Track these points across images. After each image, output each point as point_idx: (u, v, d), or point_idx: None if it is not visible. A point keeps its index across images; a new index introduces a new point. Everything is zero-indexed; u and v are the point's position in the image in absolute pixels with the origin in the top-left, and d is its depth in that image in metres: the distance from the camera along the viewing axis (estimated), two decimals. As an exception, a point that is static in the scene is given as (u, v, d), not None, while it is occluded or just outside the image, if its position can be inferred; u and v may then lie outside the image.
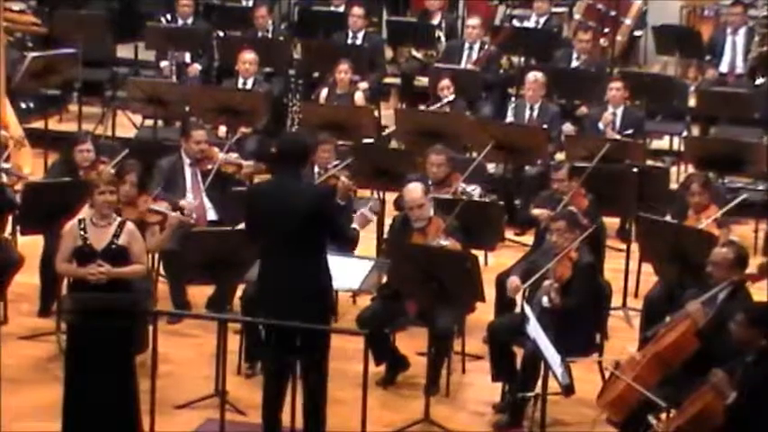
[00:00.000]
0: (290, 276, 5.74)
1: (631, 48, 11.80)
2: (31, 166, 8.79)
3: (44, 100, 10.85)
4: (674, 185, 8.97)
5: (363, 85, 10.37)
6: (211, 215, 7.96)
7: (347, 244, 6.12)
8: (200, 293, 7.51)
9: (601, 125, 9.49)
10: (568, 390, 5.82)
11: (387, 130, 10.19)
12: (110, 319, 5.84)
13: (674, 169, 9.68)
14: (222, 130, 9.74)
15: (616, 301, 7.52)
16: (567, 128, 9.82)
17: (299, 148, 5.93)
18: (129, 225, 6.46)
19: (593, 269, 6.75)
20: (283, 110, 10.42)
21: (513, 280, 6.68)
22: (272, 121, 10.12)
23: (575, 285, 6.47)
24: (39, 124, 10.29)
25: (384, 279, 6.74)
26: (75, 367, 5.85)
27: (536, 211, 7.69)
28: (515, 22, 11.30)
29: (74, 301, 6.36)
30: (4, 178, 7.70)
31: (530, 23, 11.22)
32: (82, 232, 6.33)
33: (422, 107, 9.91)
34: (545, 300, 6.49)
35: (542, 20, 11.23)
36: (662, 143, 10.51)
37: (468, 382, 7.01)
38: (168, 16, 11.13)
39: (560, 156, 9.39)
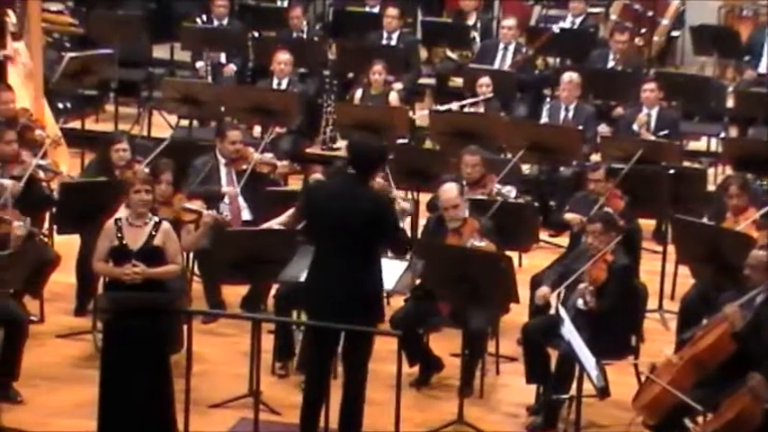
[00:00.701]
0: (342, 278, 5.75)
1: (668, 48, 11.72)
2: (68, 165, 8.85)
3: (81, 100, 10.92)
4: (711, 187, 8.89)
5: (398, 85, 10.37)
6: (246, 215, 7.99)
7: (403, 249, 6.08)
8: (234, 293, 7.53)
9: (635, 126, 9.43)
10: (603, 392, 5.78)
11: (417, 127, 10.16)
12: (145, 319, 5.87)
13: (711, 171, 9.60)
14: (257, 130, 9.77)
15: (652, 303, 7.46)
16: (603, 129, 9.76)
17: (373, 155, 5.92)
18: (165, 225, 6.48)
19: (629, 271, 6.71)
20: (318, 110, 10.43)
21: (543, 289, 6.65)
22: (307, 122, 10.14)
23: (610, 288, 6.43)
24: (75, 124, 10.37)
25: (417, 280, 6.73)
26: (111, 366, 5.89)
27: (569, 216, 7.65)
28: (554, 27, 11.22)
29: (110, 301, 6.40)
30: (41, 175, 7.76)
31: (565, 24, 11.16)
32: (118, 232, 6.36)
33: (456, 104, 9.86)
34: (580, 302, 6.45)
35: (578, 20, 11.18)
36: (699, 144, 10.43)
37: (502, 384, 6.99)
38: (204, 17, 11.18)
39: (595, 157, 9.34)
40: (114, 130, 10.02)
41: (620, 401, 6.27)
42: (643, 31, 11.28)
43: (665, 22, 11.52)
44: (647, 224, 8.73)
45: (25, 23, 9.29)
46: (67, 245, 7.64)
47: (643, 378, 6.20)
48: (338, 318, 5.71)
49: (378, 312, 5.92)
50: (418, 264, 6.60)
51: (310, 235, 6.04)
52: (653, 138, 9.18)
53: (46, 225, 7.93)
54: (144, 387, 5.82)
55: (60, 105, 10.59)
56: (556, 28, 11.11)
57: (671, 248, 7.79)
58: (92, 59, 9.92)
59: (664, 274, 7.97)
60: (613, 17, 11.44)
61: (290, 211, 6.97)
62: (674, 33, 11.69)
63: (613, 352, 6.34)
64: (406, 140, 9.64)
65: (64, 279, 7.55)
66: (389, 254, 6.16)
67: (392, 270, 6.40)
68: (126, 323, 5.87)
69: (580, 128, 9.32)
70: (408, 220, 6.94)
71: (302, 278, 6.20)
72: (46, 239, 7.82)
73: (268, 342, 6.76)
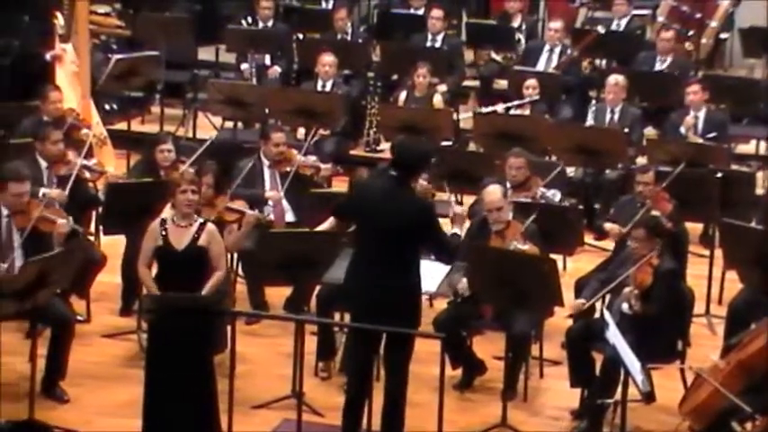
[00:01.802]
0: (381, 280, 5.74)
1: (717, 50, 11.59)
2: (114, 165, 8.92)
3: (127, 101, 11.01)
4: (759, 191, 8.79)
5: (442, 87, 10.34)
6: (289, 217, 8.01)
7: (450, 255, 6.03)
8: (277, 294, 7.55)
9: (682, 129, 9.34)
10: (649, 397, 5.73)
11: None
12: (189, 319, 5.90)
13: (760, 174, 9.48)
14: (300, 132, 9.79)
15: (699, 307, 7.38)
16: (649, 131, 9.68)
17: (418, 157, 5.90)
18: (210, 226, 6.51)
19: (675, 275, 6.64)
20: (361, 112, 10.43)
21: (578, 301, 6.59)
22: (350, 124, 10.15)
23: (656, 292, 6.36)
24: (122, 125, 10.45)
25: (461, 283, 6.70)
26: (156, 366, 5.93)
27: (608, 226, 7.56)
28: (599, 28, 11.15)
29: (155, 301, 6.43)
30: (87, 175, 7.82)
31: (612, 26, 11.08)
32: (163, 232, 6.39)
33: (501, 105, 9.82)
34: (625, 306, 6.40)
35: (623, 22, 11.10)
36: (748, 148, 10.31)
37: (546, 387, 6.95)
38: (249, 19, 11.23)
39: (641, 159, 9.27)
40: (159, 131, 10.09)
41: (666, 406, 6.22)
42: (691, 33, 11.17)
43: (714, 24, 11.40)
44: (695, 228, 8.64)
45: (73, 25, 9.38)
46: (113, 245, 7.70)
47: (690, 380, 6.13)
48: (378, 319, 5.70)
49: (417, 315, 5.89)
50: (461, 267, 6.57)
51: (353, 233, 6.03)
52: (700, 140, 9.08)
53: (92, 225, 8.00)
54: (188, 387, 5.86)
55: (107, 107, 10.68)
56: (600, 29, 11.04)
57: (718, 252, 7.71)
58: (138, 61, 10.00)
59: (711, 279, 7.89)
60: (660, 19, 11.35)
61: (332, 219, 6.96)
62: (723, 35, 11.56)
63: (659, 356, 6.28)
64: (449, 143, 9.62)
65: (110, 279, 7.61)
66: (433, 257, 6.13)
67: (436, 272, 6.38)
68: (171, 323, 5.90)
69: (626, 130, 9.26)
70: (467, 224, 6.84)
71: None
72: (92, 240, 7.88)
73: (311, 343, 6.77)
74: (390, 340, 5.84)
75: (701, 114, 9.38)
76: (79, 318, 7.15)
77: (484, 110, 9.88)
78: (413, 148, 6.03)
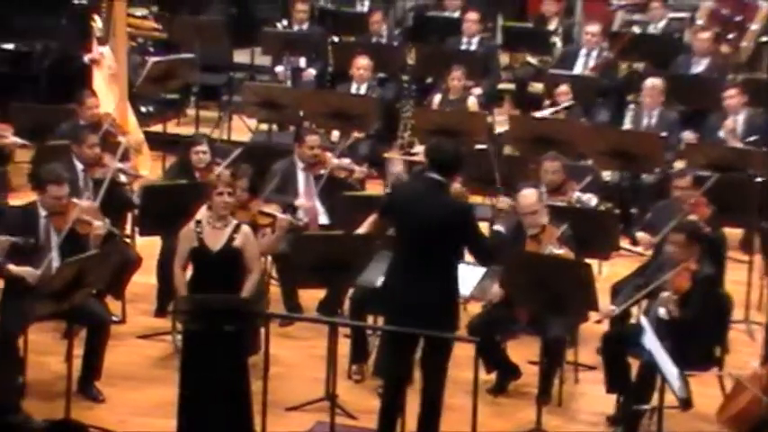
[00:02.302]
0: (419, 283, 5.73)
1: (758, 53, 11.47)
2: (150, 168, 8.97)
3: (163, 104, 11.07)
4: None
5: (477, 90, 10.31)
6: (323, 219, 8.01)
7: (489, 257, 6.00)
8: (311, 297, 7.55)
9: (722, 133, 9.25)
10: (686, 403, 5.67)
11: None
12: (224, 321, 5.91)
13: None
14: (335, 134, 9.79)
15: (738, 314, 7.31)
16: (687, 135, 9.60)
17: (453, 158, 5.89)
18: (245, 228, 6.52)
19: (713, 281, 6.57)
20: (396, 115, 10.42)
21: (608, 308, 6.53)
22: (385, 127, 10.14)
23: (694, 297, 6.30)
24: (157, 127, 10.50)
25: (495, 286, 6.67)
26: (190, 367, 5.94)
27: (639, 235, 7.49)
28: (635, 28, 11.08)
29: (189, 302, 6.44)
30: (123, 178, 7.86)
31: (651, 29, 11.00)
32: (198, 233, 6.40)
33: (537, 113, 9.78)
34: (662, 311, 6.34)
35: (660, 25, 11.01)
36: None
37: (581, 393, 6.90)
38: (284, 22, 11.25)
39: (679, 164, 9.18)
40: (195, 133, 10.12)
41: (704, 413, 6.16)
42: (731, 36, 11.06)
43: (755, 26, 11.28)
44: (734, 233, 8.55)
45: (111, 28, 9.44)
46: (149, 246, 7.73)
47: (728, 387, 6.07)
48: (416, 322, 5.68)
49: (455, 317, 5.87)
50: (496, 270, 6.54)
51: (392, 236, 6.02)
52: (740, 145, 8.99)
53: (128, 227, 8.03)
54: (222, 388, 5.86)
55: (143, 109, 10.74)
56: (636, 29, 10.96)
57: (758, 258, 7.62)
58: (174, 64, 10.04)
59: (750, 285, 7.80)
60: (700, 22, 11.25)
61: (371, 219, 6.95)
62: (764, 39, 11.44)
63: (697, 363, 6.21)
64: (484, 146, 9.58)
65: (145, 280, 7.64)
66: (469, 260, 6.11)
67: (470, 276, 6.35)
68: (205, 325, 5.91)
69: (664, 134, 9.18)
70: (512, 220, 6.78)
71: (378, 283, 6.19)
72: (128, 241, 7.92)
73: (344, 346, 6.76)
74: (428, 344, 5.82)
75: (741, 118, 9.28)
76: (115, 318, 7.18)
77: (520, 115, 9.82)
78: (447, 150, 6.02)
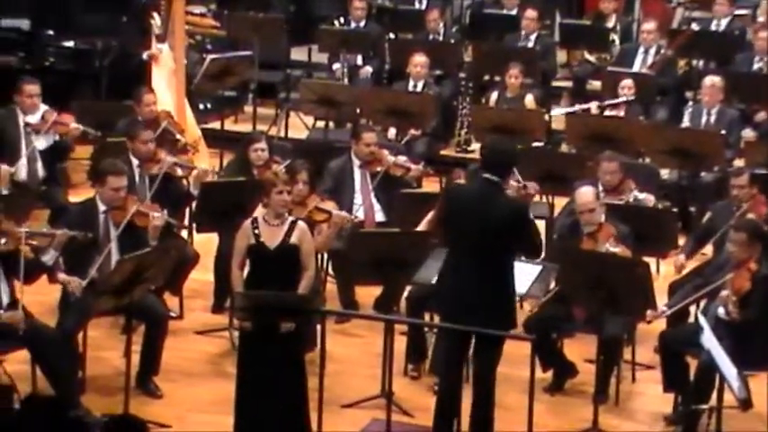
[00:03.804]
0: (475, 282, 5.73)
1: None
2: (208, 165, 9.02)
3: (221, 101, 11.14)
4: None
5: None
6: (379, 217, 8.02)
7: (537, 254, 6.01)
8: (367, 294, 7.56)
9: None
10: (746, 404, 5.60)
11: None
12: (280, 318, 5.94)
13: None
14: (392, 132, 9.79)
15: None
16: (747, 133, 9.47)
17: (506, 157, 5.88)
18: (301, 224, 6.54)
19: (775, 281, 6.48)
20: (453, 113, 10.41)
21: (660, 307, 6.46)
22: (442, 124, 10.12)
23: (754, 298, 6.21)
24: (215, 124, 10.59)
25: (552, 284, 6.64)
26: (248, 363, 5.98)
27: (675, 258, 7.27)
28: (694, 25, 10.96)
29: (247, 299, 6.49)
30: (179, 172, 7.91)
31: (712, 27, 10.87)
32: (255, 230, 6.45)
33: (595, 103, 9.67)
34: (721, 311, 6.27)
35: (724, 22, 10.88)
36: None
37: (639, 392, 6.84)
38: (341, 19, 11.28)
39: (739, 162, 9.07)
40: (252, 130, 10.19)
41: (764, 414, 6.08)
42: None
43: (817, 23, 11.10)
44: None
45: (169, 25, 9.53)
46: (206, 243, 7.79)
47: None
48: (470, 321, 5.67)
49: (509, 317, 5.86)
50: (552, 268, 6.51)
51: (446, 237, 6.02)
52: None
53: (185, 222, 8.09)
54: (279, 385, 5.90)
55: (201, 106, 10.82)
56: (695, 26, 10.83)
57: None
58: (232, 61, 10.10)
59: (810, 284, 7.67)
60: (761, 19, 11.09)
61: (429, 217, 6.95)
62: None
63: (757, 363, 6.13)
64: (541, 144, 9.53)
65: (202, 277, 7.70)
66: (522, 257, 6.09)
67: (527, 273, 6.33)
68: (262, 322, 5.95)
69: (723, 132, 9.07)
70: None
71: (434, 281, 6.19)
72: (186, 238, 7.98)
73: (401, 343, 6.76)
74: (480, 343, 5.80)
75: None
76: (172, 314, 7.25)
77: (576, 108, 9.75)
78: (501, 149, 6.03)
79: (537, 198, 8.69)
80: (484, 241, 5.73)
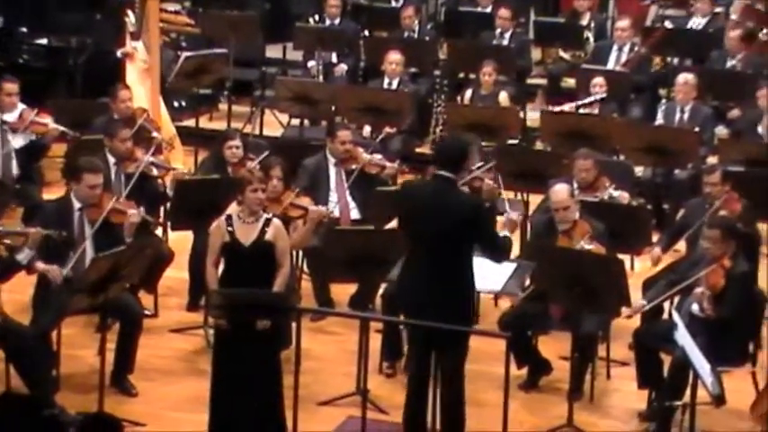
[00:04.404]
0: (433, 278, 5.72)
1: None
2: (183, 163, 9.00)
3: (196, 99, 11.12)
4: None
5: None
6: (355, 214, 8.02)
7: (500, 254, 5.95)
8: (343, 291, 7.56)
9: (760, 129, 9.18)
10: (719, 400, 5.63)
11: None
12: (255, 316, 5.93)
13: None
14: (367, 129, 9.80)
15: (771, 310, 7.25)
16: (721, 131, 9.53)
17: (457, 152, 5.88)
18: (276, 221, 6.53)
19: (749, 278, 6.53)
20: (428, 110, 10.42)
21: (639, 303, 6.50)
22: (417, 122, 10.13)
23: (729, 295, 6.25)
24: (190, 122, 10.55)
25: (527, 281, 6.65)
26: (222, 361, 5.97)
27: (653, 251, 7.35)
28: (668, 23, 11.01)
29: (221, 297, 6.47)
30: (155, 171, 7.90)
31: (690, 24, 10.93)
32: (229, 228, 6.43)
33: (569, 105, 9.72)
34: (695, 307, 6.30)
35: (704, 21, 10.93)
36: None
37: (613, 389, 6.87)
38: (317, 17, 11.27)
39: (712, 159, 9.13)
40: (227, 128, 10.16)
41: (737, 410, 6.12)
42: (765, 30, 10.97)
43: (789, 21, 11.18)
44: (765, 229, 8.48)
45: (144, 23, 9.49)
46: (181, 241, 7.77)
47: (761, 383, 6.03)
48: (428, 318, 5.66)
49: (466, 315, 5.81)
50: (527, 266, 6.52)
51: (404, 236, 6.01)
52: (774, 140, 8.92)
53: (160, 221, 8.07)
54: (254, 383, 5.89)
55: (176, 104, 10.79)
56: (669, 24, 10.88)
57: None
58: (207, 59, 10.08)
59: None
60: (734, 17, 11.16)
61: None
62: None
63: (730, 359, 6.17)
64: (516, 141, 9.56)
65: (177, 275, 7.68)
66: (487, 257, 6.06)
67: (502, 271, 6.34)
68: (237, 319, 5.93)
69: (696, 129, 9.12)
70: (517, 232, 6.79)
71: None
72: (161, 236, 7.96)
73: (376, 341, 6.77)
74: (442, 341, 5.78)
75: (776, 114, 9.22)
76: (147, 312, 7.23)
77: (553, 109, 9.78)
78: (453, 145, 6.02)
79: (512, 195, 8.74)
80: (440, 239, 5.70)
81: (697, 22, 10.98)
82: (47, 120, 8.48)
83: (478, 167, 7.73)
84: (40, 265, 6.41)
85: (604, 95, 9.58)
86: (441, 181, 5.81)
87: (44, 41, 11.02)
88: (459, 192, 5.92)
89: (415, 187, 6.38)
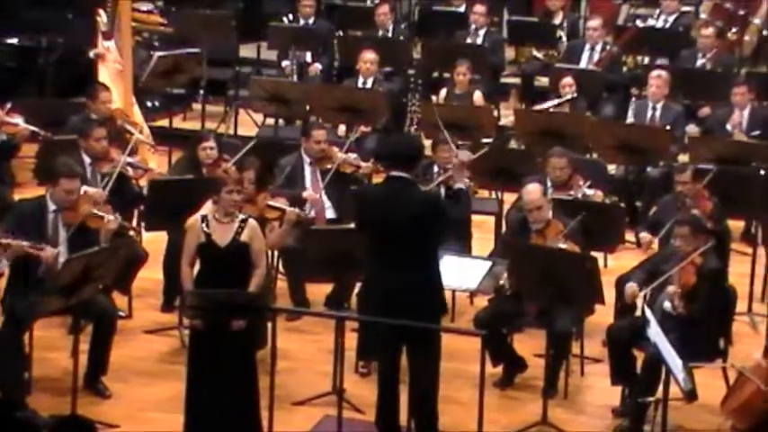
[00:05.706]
0: (397, 277, 5.72)
1: (762, 47, 11.46)
2: (157, 162, 8.98)
3: (169, 98, 11.08)
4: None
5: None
6: (330, 213, 8.03)
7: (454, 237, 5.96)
8: (318, 291, 7.57)
9: (729, 126, 9.25)
10: (691, 395, 5.69)
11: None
12: (231, 316, 5.92)
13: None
14: (342, 128, 9.80)
15: (741, 306, 7.33)
16: (692, 129, 9.60)
17: (410, 151, 5.88)
18: (252, 222, 6.53)
19: (720, 275, 6.59)
20: (403, 109, 10.43)
21: (631, 285, 6.54)
22: (392, 121, 10.14)
23: (700, 293, 6.31)
24: (164, 122, 10.52)
25: (502, 280, 6.68)
26: (197, 362, 5.96)
27: (642, 235, 7.45)
28: (639, 22, 11.08)
29: (197, 298, 6.46)
30: (131, 172, 7.87)
31: (658, 23, 11.00)
32: (205, 228, 6.42)
33: (539, 106, 9.78)
34: (667, 304, 6.35)
35: (671, 19, 11.01)
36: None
37: (587, 385, 6.92)
38: (290, 16, 11.25)
39: (683, 157, 9.19)
40: (201, 128, 10.14)
41: (709, 405, 6.17)
42: (734, 30, 11.06)
43: (757, 20, 11.27)
44: (737, 225, 8.56)
45: (116, 22, 9.46)
46: (155, 242, 7.74)
47: (732, 379, 6.08)
48: (400, 314, 5.65)
49: (435, 309, 5.83)
50: (502, 264, 6.55)
51: (366, 239, 6.01)
52: (745, 138, 8.98)
53: (134, 222, 8.05)
54: (230, 383, 5.88)
55: (149, 104, 10.75)
56: (639, 23, 10.95)
57: (761, 251, 7.63)
58: (180, 58, 10.04)
59: (753, 276, 7.82)
60: (703, 15, 11.24)
61: None
62: (767, 32, 11.43)
63: (701, 355, 6.22)
64: (490, 140, 9.59)
65: (151, 275, 7.66)
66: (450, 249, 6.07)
67: (477, 269, 6.37)
68: (212, 320, 5.93)
69: (668, 127, 9.18)
70: (492, 230, 6.74)
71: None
72: (135, 236, 7.93)
73: (352, 340, 6.78)
74: (412, 340, 5.79)
75: (746, 112, 9.28)
76: (121, 313, 7.20)
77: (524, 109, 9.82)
78: (401, 143, 6.04)
79: (486, 194, 8.76)
80: (401, 238, 5.71)
81: (665, 20, 11.04)
82: (17, 119, 8.43)
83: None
84: (32, 249, 6.32)
85: (574, 95, 9.63)
86: (394, 181, 5.81)
87: (14, 41, 10.95)
88: (416, 190, 5.92)
89: (369, 191, 6.37)
